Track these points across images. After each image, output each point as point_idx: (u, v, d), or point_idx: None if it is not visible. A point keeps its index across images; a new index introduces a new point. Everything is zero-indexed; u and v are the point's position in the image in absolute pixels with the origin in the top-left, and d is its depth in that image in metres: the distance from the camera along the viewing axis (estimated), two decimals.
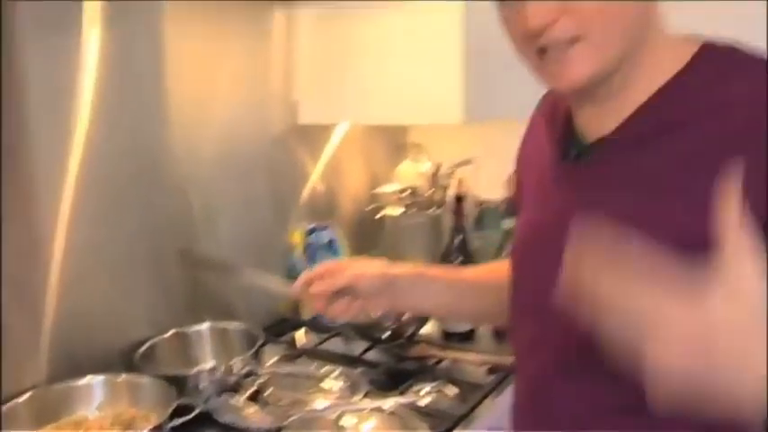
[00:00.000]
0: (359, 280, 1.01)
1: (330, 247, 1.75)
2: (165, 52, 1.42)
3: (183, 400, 1.17)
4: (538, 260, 0.82)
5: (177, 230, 1.48)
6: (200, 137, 1.52)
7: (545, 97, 0.93)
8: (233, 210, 1.61)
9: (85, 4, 1.26)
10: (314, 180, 1.84)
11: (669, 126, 0.74)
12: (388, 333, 1.48)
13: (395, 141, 2.07)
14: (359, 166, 1.99)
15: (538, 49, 0.74)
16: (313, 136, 1.82)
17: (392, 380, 1.34)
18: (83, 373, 1.23)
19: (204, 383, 1.24)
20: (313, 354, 1.49)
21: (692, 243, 0.63)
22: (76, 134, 1.27)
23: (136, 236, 1.39)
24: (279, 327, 1.62)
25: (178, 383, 1.20)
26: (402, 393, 1.28)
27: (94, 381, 1.23)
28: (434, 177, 1.90)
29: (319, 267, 1.04)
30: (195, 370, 1.32)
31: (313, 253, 1.73)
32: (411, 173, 2.00)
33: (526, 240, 0.89)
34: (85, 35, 1.27)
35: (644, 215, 0.71)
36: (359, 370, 1.35)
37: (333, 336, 1.56)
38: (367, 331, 1.49)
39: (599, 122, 0.79)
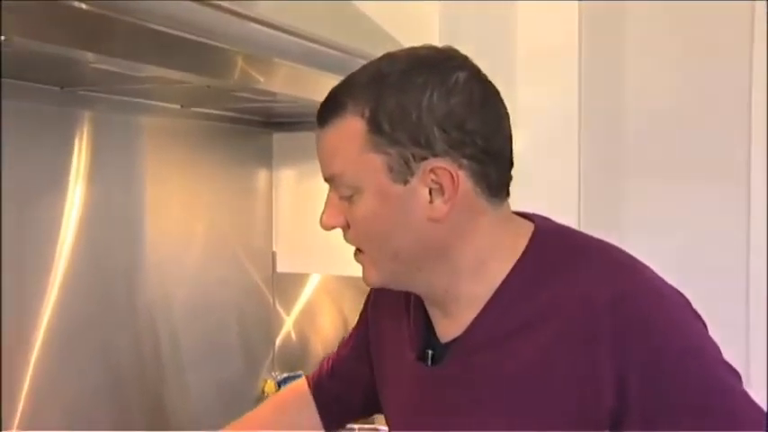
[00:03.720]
0: None
1: None
2: (145, 195, 1.44)
3: None
4: None
5: (145, 381, 1.46)
6: (175, 282, 1.53)
7: None
8: (204, 358, 1.59)
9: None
10: (287, 328, 1.85)
11: (511, 328, 0.77)
12: None
13: (366, 289, 2.10)
14: (332, 314, 2.01)
15: None
16: (287, 284, 1.85)
17: None
18: None
19: None
20: None
21: None
22: (52, 273, 1.26)
23: (105, 385, 1.36)
24: None
25: None
26: None
27: None
28: None
29: None
30: None
31: None
32: None
33: None
34: (70, 194, 1.29)
35: (502, 416, 0.76)
36: None
37: None
38: None
39: (449, 324, 0.82)
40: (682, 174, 2.11)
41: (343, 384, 1.05)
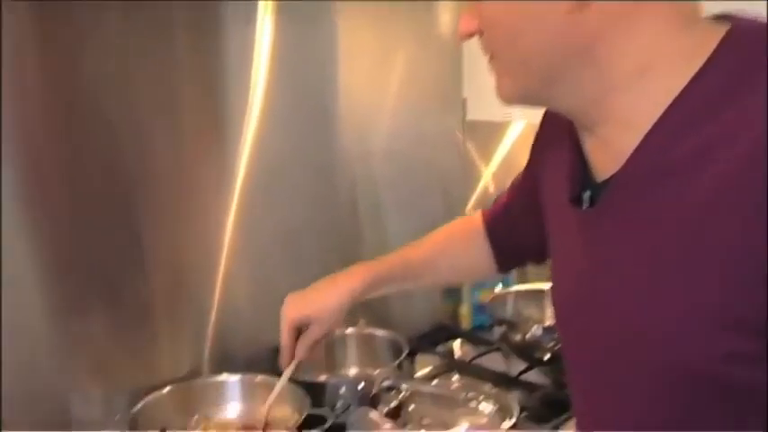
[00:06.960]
0: (321, 322, 1.03)
1: None
2: (338, 52, 1.40)
3: (317, 410, 1.14)
4: (582, 321, 0.71)
5: (343, 230, 1.47)
6: (371, 134, 1.50)
7: None
8: (401, 207, 1.57)
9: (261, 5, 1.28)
10: (486, 179, 1.73)
11: (681, 156, 0.58)
12: (549, 355, 1.34)
13: None
14: None
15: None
16: (486, 134, 1.72)
17: (548, 409, 1.22)
18: (232, 370, 1.24)
19: (342, 393, 1.20)
20: (466, 369, 1.39)
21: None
22: (245, 132, 1.28)
23: (302, 235, 1.39)
24: (435, 335, 1.56)
25: (315, 390, 1.16)
26: (556, 427, 1.15)
27: (230, 380, 1.23)
28: None
29: (285, 337, 1.04)
30: (334, 379, 1.28)
31: None
32: None
33: (565, 303, 0.78)
34: (259, 33, 1.28)
35: (672, 261, 0.58)
36: (513, 393, 1.24)
37: (490, 351, 1.45)
38: (527, 351, 1.37)
39: (605, 157, 0.66)
40: None
41: (517, 224, 0.99)
